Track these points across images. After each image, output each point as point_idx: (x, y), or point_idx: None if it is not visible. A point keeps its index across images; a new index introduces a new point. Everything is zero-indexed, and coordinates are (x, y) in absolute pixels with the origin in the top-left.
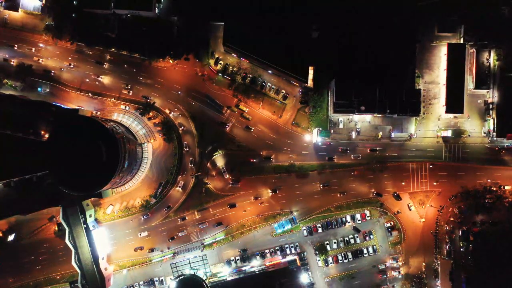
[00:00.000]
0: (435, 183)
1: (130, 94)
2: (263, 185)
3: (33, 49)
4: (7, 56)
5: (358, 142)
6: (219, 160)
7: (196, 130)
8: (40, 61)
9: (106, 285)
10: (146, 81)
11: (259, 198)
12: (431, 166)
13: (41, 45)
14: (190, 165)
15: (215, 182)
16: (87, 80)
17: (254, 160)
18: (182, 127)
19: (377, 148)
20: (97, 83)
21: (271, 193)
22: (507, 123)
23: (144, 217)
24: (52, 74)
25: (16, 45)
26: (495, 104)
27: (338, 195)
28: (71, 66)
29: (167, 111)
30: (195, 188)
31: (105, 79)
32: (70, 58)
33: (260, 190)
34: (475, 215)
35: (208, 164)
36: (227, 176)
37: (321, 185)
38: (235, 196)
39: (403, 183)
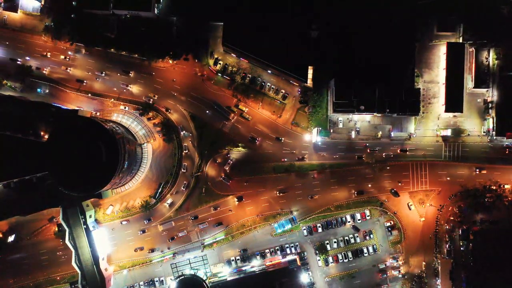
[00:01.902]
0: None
1: (156, 98)
2: (263, 186)
3: (67, 58)
4: (38, 64)
5: (383, 143)
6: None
7: (195, 130)
8: (68, 70)
9: (106, 286)
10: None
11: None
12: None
13: (70, 53)
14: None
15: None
16: (115, 88)
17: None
18: (183, 132)
19: (407, 148)
20: (124, 90)
21: (278, 194)
22: (506, 122)
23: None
24: (85, 83)
25: (49, 53)
26: (494, 103)
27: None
28: (103, 74)
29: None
30: (195, 188)
31: (134, 88)
32: (104, 68)
33: (260, 190)
34: (475, 214)
35: (208, 164)
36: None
37: (277, 192)
38: (235, 196)
39: (400, 184)
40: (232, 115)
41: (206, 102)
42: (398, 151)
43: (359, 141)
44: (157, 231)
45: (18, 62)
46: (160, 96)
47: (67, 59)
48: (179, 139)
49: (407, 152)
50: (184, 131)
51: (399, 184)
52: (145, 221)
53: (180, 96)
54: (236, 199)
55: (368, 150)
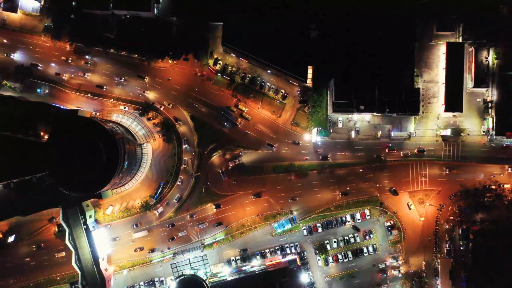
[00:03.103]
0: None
1: (170, 106)
2: (263, 186)
3: (89, 63)
4: (59, 70)
5: (396, 143)
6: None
7: (195, 130)
8: (86, 76)
9: (106, 286)
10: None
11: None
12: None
13: (95, 59)
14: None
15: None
16: (131, 93)
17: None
18: (180, 124)
19: (425, 149)
20: (140, 96)
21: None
22: (506, 121)
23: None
24: (104, 89)
25: (70, 59)
26: (494, 103)
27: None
28: (122, 80)
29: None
30: (195, 188)
31: (150, 95)
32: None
33: (260, 190)
34: (474, 214)
35: (208, 164)
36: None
37: (252, 196)
38: (235, 196)
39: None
40: (240, 120)
41: (208, 103)
42: (416, 151)
43: (360, 140)
44: (157, 231)
45: (39, 68)
46: (160, 96)
47: (89, 64)
48: (179, 140)
49: (425, 153)
50: (187, 145)
51: (392, 185)
52: (133, 226)
53: (180, 96)
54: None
55: (387, 150)
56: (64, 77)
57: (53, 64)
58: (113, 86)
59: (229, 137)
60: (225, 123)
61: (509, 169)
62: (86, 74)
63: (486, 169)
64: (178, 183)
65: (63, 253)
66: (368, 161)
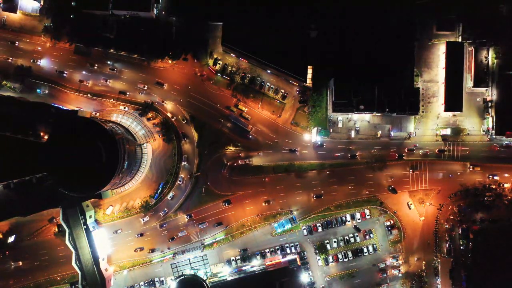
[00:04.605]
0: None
1: (184, 122)
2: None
3: (115, 70)
4: (82, 76)
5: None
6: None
7: (195, 130)
8: (108, 82)
9: (106, 286)
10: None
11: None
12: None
13: (108, 62)
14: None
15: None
16: (149, 100)
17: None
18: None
19: (446, 149)
20: (156, 103)
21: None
22: (506, 121)
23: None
24: (127, 95)
25: (96, 65)
26: (494, 102)
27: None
28: (145, 88)
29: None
30: (195, 188)
31: (169, 105)
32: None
33: (260, 190)
34: (474, 213)
35: (208, 163)
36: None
37: (223, 203)
38: (235, 195)
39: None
40: (251, 127)
41: (208, 103)
42: (436, 151)
43: (360, 140)
44: (157, 231)
45: (64, 75)
46: (160, 96)
47: (114, 71)
48: (179, 139)
49: (445, 153)
50: (185, 162)
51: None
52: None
53: (180, 96)
54: (223, 203)
55: (406, 150)
56: (87, 84)
57: (84, 72)
58: (135, 93)
59: (229, 137)
60: (237, 130)
61: (471, 167)
62: (108, 80)
63: (486, 169)
64: (178, 182)
65: (63, 253)
66: (368, 161)
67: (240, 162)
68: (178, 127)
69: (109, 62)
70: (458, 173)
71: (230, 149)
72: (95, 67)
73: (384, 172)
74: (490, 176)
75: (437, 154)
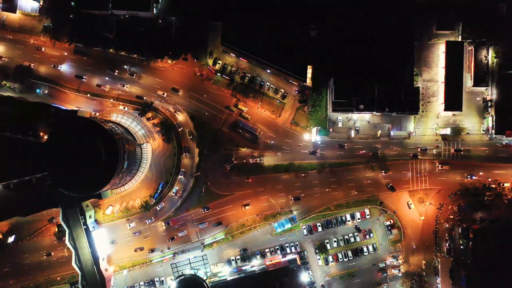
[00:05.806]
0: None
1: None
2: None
3: (134, 76)
4: (100, 82)
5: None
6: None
7: (195, 130)
8: (125, 87)
9: (106, 286)
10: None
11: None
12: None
13: (133, 69)
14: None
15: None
16: (169, 109)
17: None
18: (181, 128)
19: (462, 148)
20: (167, 111)
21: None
22: (506, 120)
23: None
24: (144, 100)
25: (116, 71)
26: (493, 102)
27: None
28: (164, 95)
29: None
30: (195, 188)
31: (180, 116)
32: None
33: (260, 190)
34: (474, 213)
35: (208, 164)
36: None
37: (202, 209)
38: (235, 196)
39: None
40: (259, 130)
41: (208, 103)
42: (452, 150)
43: (360, 140)
44: (156, 231)
45: (83, 80)
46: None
47: (134, 76)
48: (179, 139)
49: (462, 153)
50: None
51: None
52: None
53: (180, 96)
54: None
55: (419, 150)
56: (105, 88)
57: (106, 77)
58: (151, 98)
59: (229, 137)
60: (246, 135)
61: (440, 165)
62: (126, 85)
63: (486, 168)
64: (180, 176)
65: (63, 253)
66: (367, 161)
67: (251, 161)
68: (182, 141)
69: (125, 67)
70: (425, 173)
71: (241, 150)
72: (115, 73)
73: (384, 171)
74: (468, 176)
75: (453, 154)
